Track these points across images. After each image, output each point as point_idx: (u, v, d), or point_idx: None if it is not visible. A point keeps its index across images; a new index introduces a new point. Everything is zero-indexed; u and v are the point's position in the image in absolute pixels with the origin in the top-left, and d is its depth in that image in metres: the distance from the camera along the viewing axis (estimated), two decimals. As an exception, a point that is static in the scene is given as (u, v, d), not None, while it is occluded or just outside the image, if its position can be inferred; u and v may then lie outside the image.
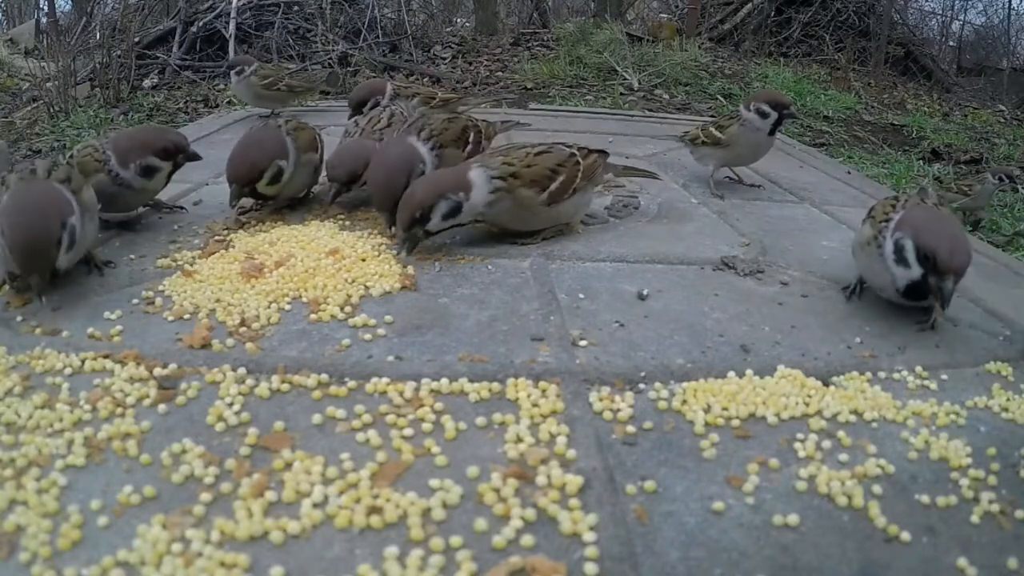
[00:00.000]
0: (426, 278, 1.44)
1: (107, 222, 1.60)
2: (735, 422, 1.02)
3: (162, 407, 1.00)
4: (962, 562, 0.79)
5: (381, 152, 1.68)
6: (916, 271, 1.27)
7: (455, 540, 0.78)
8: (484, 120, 1.99)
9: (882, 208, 1.43)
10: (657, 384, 1.10)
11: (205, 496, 0.83)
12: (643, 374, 1.13)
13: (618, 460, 0.93)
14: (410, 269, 1.46)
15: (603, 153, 1.78)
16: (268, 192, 1.70)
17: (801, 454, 0.96)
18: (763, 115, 2.08)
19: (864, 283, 1.48)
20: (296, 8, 5.63)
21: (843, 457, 0.96)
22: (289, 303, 1.30)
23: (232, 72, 3.12)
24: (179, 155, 1.59)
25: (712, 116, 4.41)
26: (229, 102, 3.91)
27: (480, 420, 1.00)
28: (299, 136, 1.79)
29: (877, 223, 1.39)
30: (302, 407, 1.02)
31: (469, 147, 1.80)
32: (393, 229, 1.57)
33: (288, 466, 0.89)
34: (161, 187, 1.68)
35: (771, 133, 2.12)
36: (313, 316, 1.26)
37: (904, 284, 1.30)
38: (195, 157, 1.63)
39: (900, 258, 1.30)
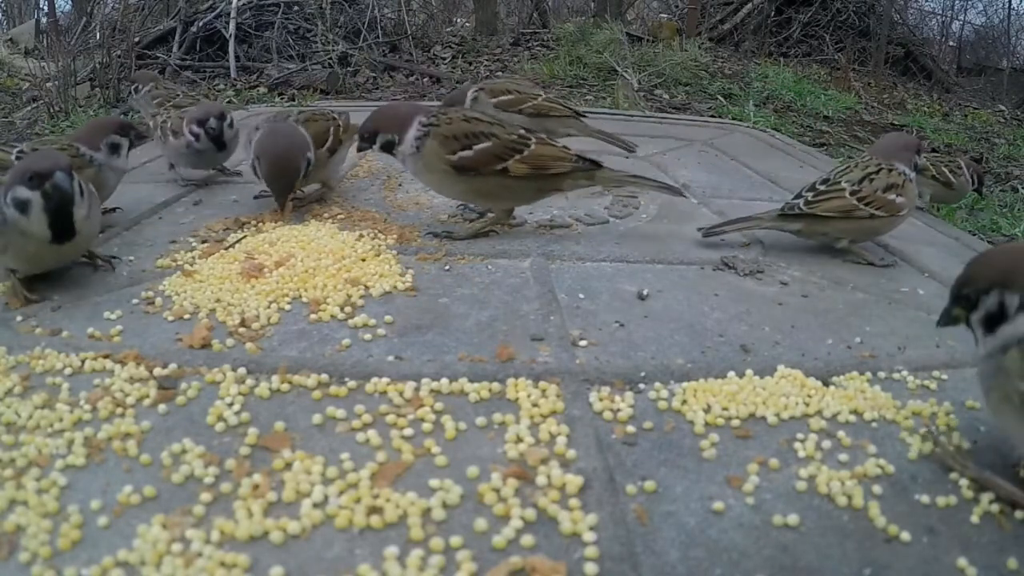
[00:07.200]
0: (426, 278, 1.44)
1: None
2: (735, 422, 1.02)
3: (162, 407, 1.00)
4: (962, 562, 0.79)
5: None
6: None
7: (455, 540, 0.78)
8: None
9: None
10: (657, 384, 1.10)
11: (205, 496, 0.83)
12: (643, 374, 1.13)
13: (618, 460, 0.93)
14: (410, 270, 1.46)
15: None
16: (301, 186, 1.80)
17: (801, 454, 0.96)
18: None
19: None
20: (296, 8, 5.64)
21: (843, 457, 0.96)
22: (289, 303, 1.30)
23: (131, 88, 2.90)
24: (131, 132, 1.74)
25: (712, 116, 4.41)
26: (229, 102, 3.91)
27: (480, 420, 1.00)
28: (310, 127, 1.83)
29: None
30: (302, 407, 1.02)
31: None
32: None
33: (288, 466, 0.89)
34: (127, 166, 1.79)
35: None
36: (313, 316, 1.26)
37: None
38: (143, 137, 1.83)
39: None
